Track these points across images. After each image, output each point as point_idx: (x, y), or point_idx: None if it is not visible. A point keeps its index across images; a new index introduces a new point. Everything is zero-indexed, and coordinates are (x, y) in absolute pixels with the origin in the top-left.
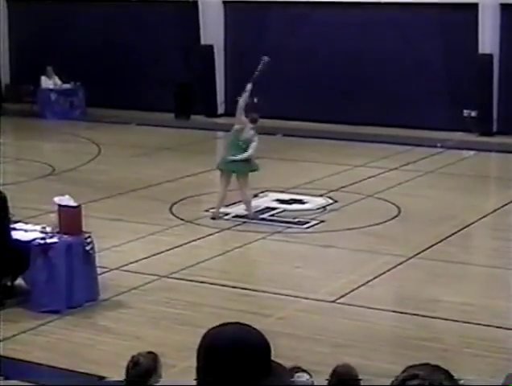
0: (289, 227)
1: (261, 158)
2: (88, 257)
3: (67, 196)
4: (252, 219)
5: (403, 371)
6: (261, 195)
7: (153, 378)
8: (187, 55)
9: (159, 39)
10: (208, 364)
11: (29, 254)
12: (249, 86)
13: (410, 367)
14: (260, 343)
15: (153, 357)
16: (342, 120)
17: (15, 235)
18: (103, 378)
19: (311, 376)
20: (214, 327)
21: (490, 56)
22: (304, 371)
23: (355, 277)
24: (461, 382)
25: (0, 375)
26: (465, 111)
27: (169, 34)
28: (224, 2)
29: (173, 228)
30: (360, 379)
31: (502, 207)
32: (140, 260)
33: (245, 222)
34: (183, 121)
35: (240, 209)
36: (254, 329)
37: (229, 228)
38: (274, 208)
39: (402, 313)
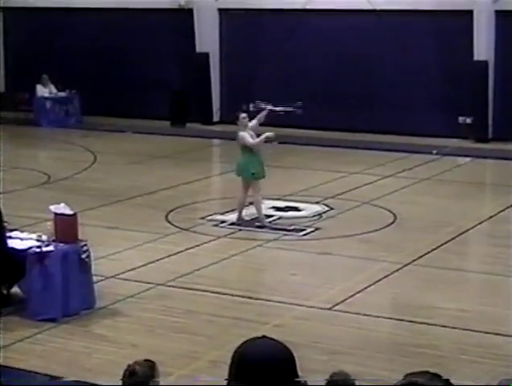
0: (285, 235)
1: None
2: (85, 265)
3: (62, 204)
4: (239, 224)
5: (403, 379)
6: None
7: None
8: (183, 63)
9: (155, 47)
10: (239, 374)
11: (25, 262)
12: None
13: (410, 374)
14: (285, 355)
15: (150, 365)
16: (337, 127)
17: (11, 243)
18: None
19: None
20: (246, 341)
21: (485, 63)
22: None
23: (351, 284)
24: None
25: None
26: (461, 118)
27: (164, 41)
28: (219, 10)
29: (169, 236)
30: (355, 379)
31: (498, 213)
32: (136, 268)
33: (241, 229)
34: (179, 128)
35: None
36: (280, 343)
37: (225, 236)
38: (270, 216)
39: (398, 320)
